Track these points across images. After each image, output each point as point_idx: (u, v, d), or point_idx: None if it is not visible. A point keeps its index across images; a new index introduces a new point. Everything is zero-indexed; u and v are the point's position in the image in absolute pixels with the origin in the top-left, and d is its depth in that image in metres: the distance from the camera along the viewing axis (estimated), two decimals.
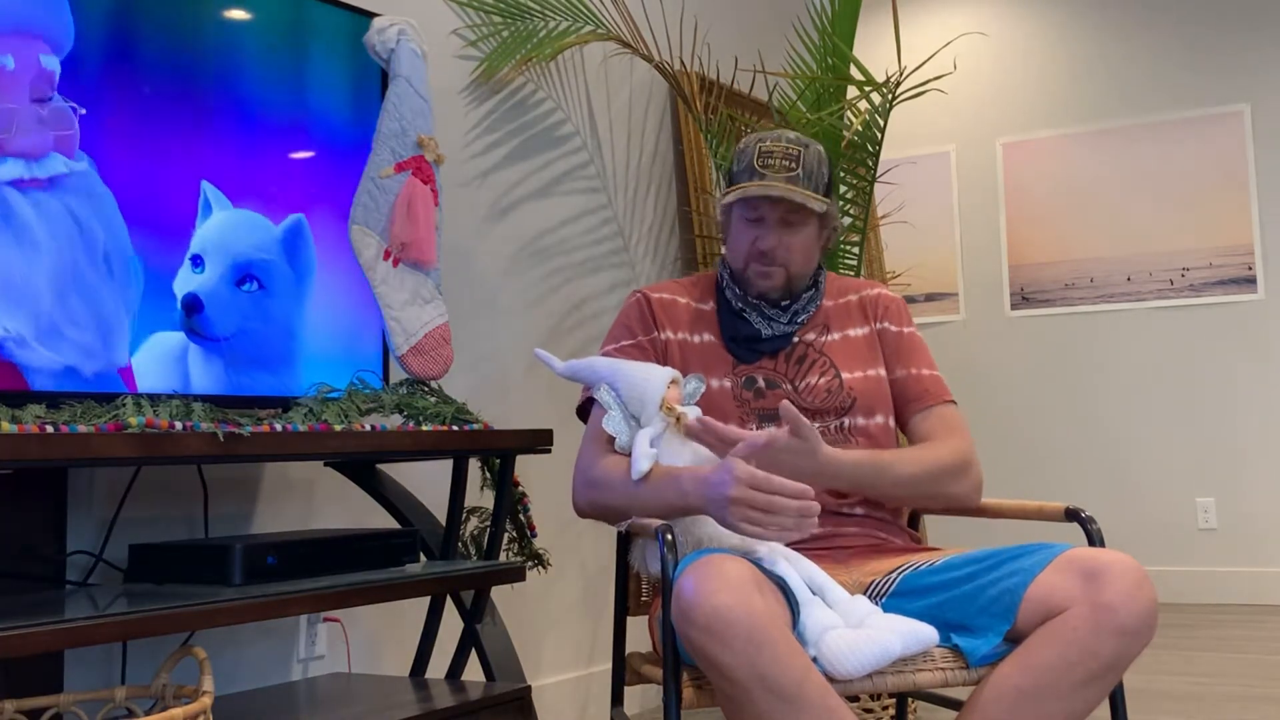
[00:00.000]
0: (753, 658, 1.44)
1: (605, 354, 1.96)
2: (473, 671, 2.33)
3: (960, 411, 1.98)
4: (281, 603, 1.77)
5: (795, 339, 1.97)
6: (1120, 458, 5.14)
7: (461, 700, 2.09)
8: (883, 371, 1.98)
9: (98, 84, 1.88)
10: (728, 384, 1.92)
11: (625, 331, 2.00)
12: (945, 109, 5.48)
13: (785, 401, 1.70)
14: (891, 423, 1.97)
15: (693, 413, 1.82)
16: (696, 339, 1.97)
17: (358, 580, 1.92)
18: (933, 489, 1.86)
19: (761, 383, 1.93)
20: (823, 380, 1.94)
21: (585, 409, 1.97)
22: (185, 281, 1.99)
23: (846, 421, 1.92)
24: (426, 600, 2.48)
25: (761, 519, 1.58)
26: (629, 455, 1.81)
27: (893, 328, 2.01)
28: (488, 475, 2.41)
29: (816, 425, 1.90)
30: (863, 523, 1.89)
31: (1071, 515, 1.81)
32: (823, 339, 1.98)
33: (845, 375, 1.95)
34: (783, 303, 1.97)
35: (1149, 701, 3.24)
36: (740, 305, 1.98)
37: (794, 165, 1.89)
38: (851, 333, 2.00)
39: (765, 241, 1.92)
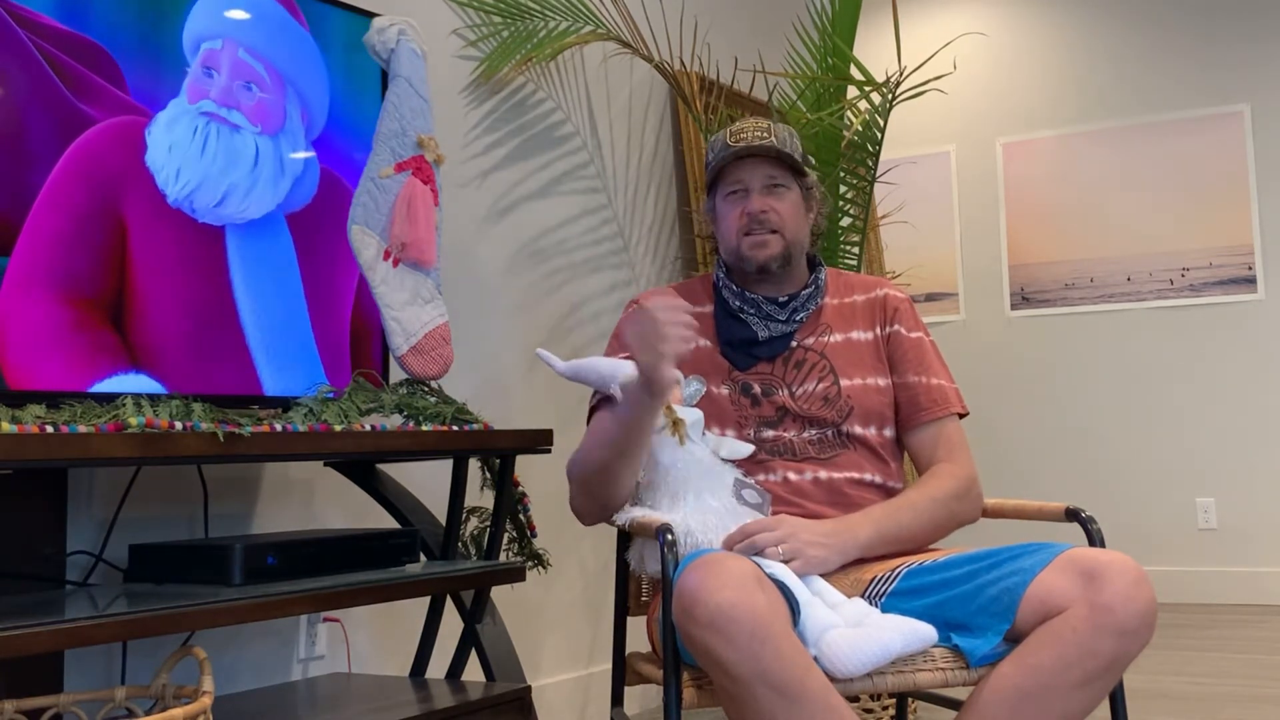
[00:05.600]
0: (756, 654, 1.45)
1: None
2: (473, 671, 2.33)
3: (960, 429, 1.95)
4: (281, 603, 1.77)
5: (793, 343, 1.95)
6: (1120, 458, 5.14)
7: (461, 700, 2.09)
8: (884, 380, 1.95)
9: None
10: (725, 391, 1.91)
11: (623, 345, 1.99)
12: (945, 109, 5.48)
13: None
14: (890, 433, 1.94)
15: (692, 415, 1.82)
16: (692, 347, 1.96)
17: (358, 580, 1.92)
18: (944, 525, 1.87)
19: (758, 389, 1.91)
20: (820, 386, 1.91)
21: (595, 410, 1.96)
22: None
23: (844, 429, 1.90)
24: (426, 600, 2.48)
25: (649, 331, 1.65)
26: None
27: (904, 331, 1.98)
28: (488, 475, 2.40)
29: (814, 432, 1.89)
30: None
31: (1072, 515, 1.81)
32: (823, 341, 1.96)
33: (844, 382, 1.92)
34: (780, 299, 1.95)
35: (1149, 701, 3.24)
36: (738, 304, 1.96)
37: (766, 135, 1.93)
38: (855, 336, 1.97)
39: (753, 204, 1.93)
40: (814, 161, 3.18)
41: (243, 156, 2.11)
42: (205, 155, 2.05)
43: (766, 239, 1.92)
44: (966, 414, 1.97)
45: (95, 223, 1.91)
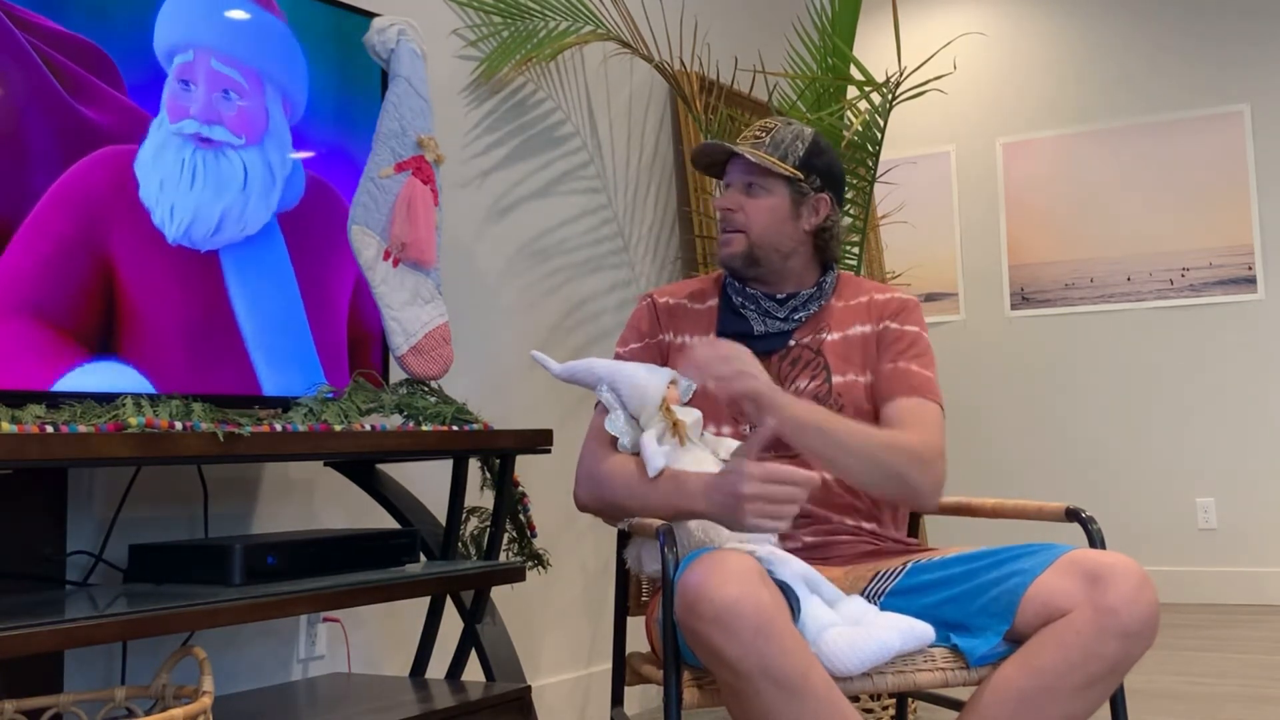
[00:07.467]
0: (760, 649, 1.45)
1: (617, 357, 1.96)
2: (473, 671, 2.33)
3: (938, 414, 1.87)
4: (281, 603, 1.77)
5: (791, 341, 1.94)
6: (1120, 458, 5.14)
7: (461, 700, 2.09)
8: (870, 378, 1.92)
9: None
10: None
11: (634, 334, 2.01)
12: (945, 109, 5.48)
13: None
14: None
15: (691, 415, 1.82)
16: (693, 341, 1.97)
17: (358, 580, 1.92)
18: (886, 468, 1.77)
19: None
20: (812, 384, 1.90)
21: None
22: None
23: None
24: (426, 600, 2.48)
25: (777, 511, 1.61)
26: (633, 454, 1.82)
27: (894, 325, 1.94)
28: (488, 475, 2.40)
29: None
30: (857, 532, 1.89)
31: (1072, 515, 1.81)
32: (820, 339, 1.94)
33: (837, 379, 1.90)
34: (779, 296, 1.95)
35: (1149, 701, 3.24)
36: (740, 300, 1.97)
37: (763, 135, 1.94)
38: (852, 332, 1.95)
39: (723, 201, 1.95)
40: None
41: (232, 180, 2.09)
42: (195, 187, 2.04)
43: (730, 238, 1.94)
44: (941, 408, 1.90)
45: (79, 258, 1.89)
